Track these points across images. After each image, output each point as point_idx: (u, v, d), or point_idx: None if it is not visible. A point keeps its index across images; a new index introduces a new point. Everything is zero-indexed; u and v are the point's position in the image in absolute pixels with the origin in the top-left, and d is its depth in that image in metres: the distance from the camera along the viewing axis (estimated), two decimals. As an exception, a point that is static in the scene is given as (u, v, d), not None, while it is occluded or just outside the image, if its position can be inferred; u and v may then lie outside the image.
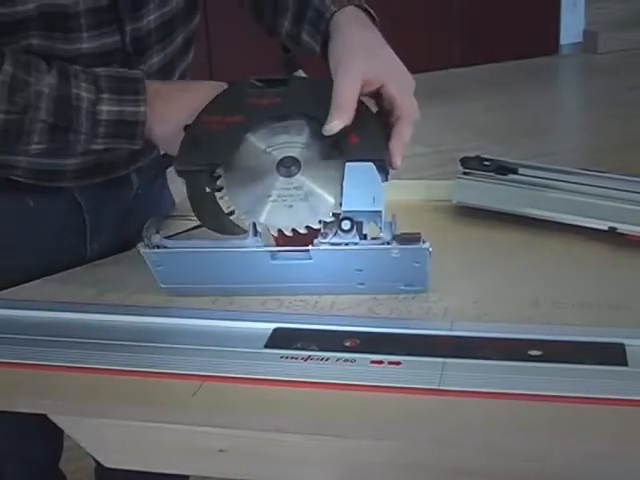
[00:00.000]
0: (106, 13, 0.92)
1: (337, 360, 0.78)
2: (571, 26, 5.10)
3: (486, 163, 1.15)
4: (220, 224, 0.87)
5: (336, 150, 0.85)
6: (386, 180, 0.86)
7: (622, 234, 1.00)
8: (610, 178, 1.12)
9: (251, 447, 0.76)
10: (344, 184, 0.83)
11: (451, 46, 4.78)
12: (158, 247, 0.87)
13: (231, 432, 0.75)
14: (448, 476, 0.75)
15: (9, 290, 0.95)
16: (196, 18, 1.04)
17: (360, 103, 0.86)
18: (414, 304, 0.80)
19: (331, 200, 0.84)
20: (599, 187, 1.10)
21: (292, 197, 0.84)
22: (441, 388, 0.73)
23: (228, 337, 0.81)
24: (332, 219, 0.84)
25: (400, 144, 0.87)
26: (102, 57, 0.92)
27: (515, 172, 1.14)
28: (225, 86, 0.90)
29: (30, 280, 0.97)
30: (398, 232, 0.85)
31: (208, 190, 0.87)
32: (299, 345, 0.79)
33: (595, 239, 1.01)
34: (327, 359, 0.78)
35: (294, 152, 0.85)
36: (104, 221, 1.05)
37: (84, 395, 0.77)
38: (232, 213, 0.86)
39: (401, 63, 0.92)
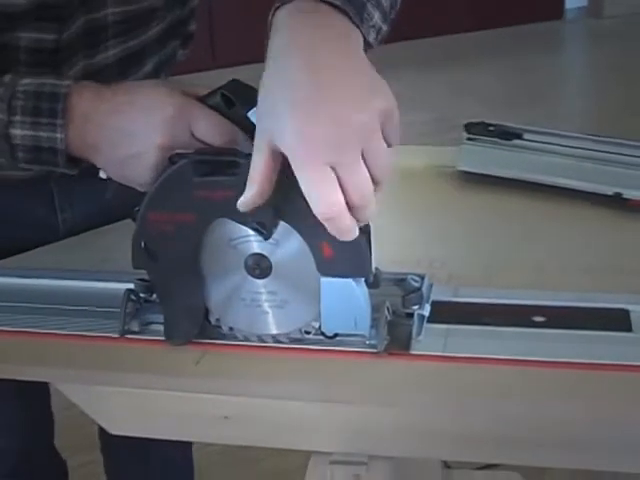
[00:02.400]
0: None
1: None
2: (576, -10, 5.05)
3: (490, 128, 1.15)
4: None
5: (307, 252, 0.73)
6: (376, 287, 0.75)
7: (627, 199, 1.00)
8: (616, 143, 1.11)
9: (255, 414, 0.77)
10: (321, 302, 0.73)
11: (453, 11, 4.74)
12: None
13: (236, 399, 0.75)
14: (452, 442, 0.75)
15: (9, 259, 0.94)
16: (177, 40, 0.98)
17: None
18: (418, 271, 0.79)
19: (311, 312, 0.75)
20: (605, 152, 1.09)
21: (267, 302, 0.76)
22: (445, 354, 0.73)
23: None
24: (314, 329, 0.76)
25: None
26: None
27: (520, 137, 1.13)
28: (174, 98, 0.76)
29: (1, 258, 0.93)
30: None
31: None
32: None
33: (600, 204, 1.01)
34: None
35: (260, 248, 0.74)
36: (74, 190, 0.99)
37: (89, 363, 0.77)
38: (207, 312, 0.78)
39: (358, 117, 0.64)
